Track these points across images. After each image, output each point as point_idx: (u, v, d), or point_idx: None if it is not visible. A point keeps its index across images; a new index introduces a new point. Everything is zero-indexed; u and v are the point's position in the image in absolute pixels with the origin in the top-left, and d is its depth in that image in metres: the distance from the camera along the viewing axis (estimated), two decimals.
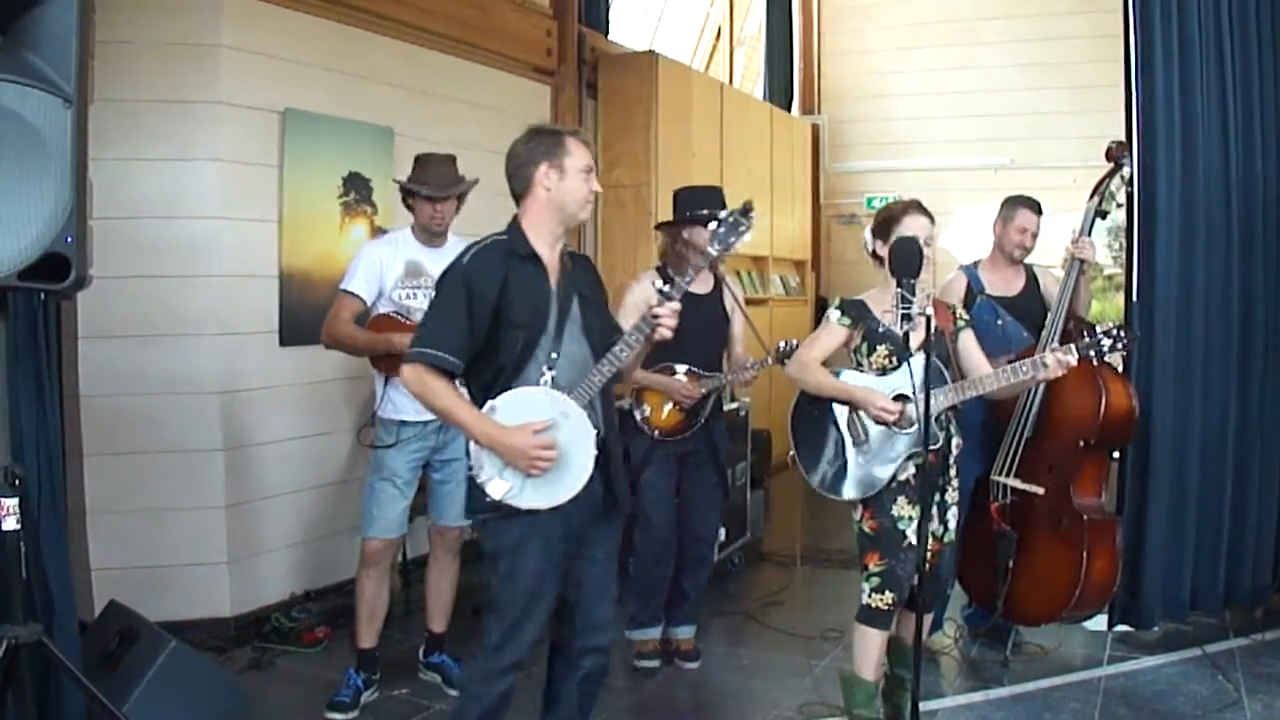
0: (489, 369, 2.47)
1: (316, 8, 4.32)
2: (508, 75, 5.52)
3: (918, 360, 2.85)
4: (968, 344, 3.06)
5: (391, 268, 3.43)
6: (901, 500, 2.94)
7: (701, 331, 3.65)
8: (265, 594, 4.15)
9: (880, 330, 3.00)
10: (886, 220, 3.03)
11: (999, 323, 3.77)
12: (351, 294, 3.41)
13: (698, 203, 3.74)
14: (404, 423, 3.42)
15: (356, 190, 4.46)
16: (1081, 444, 3.50)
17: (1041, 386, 3.42)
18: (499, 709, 2.50)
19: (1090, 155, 4.21)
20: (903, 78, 8.43)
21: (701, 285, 3.73)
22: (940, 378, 2.88)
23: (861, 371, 3.03)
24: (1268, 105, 4.05)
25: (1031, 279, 3.91)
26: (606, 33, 6.51)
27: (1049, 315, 3.67)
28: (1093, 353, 2.83)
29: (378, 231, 4.38)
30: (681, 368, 3.69)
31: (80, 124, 2.19)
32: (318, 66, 4.33)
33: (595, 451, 2.42)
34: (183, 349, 3.92)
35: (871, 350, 3.01)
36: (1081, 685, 3.59)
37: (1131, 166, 3.75)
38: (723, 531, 4.52)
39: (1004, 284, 3.87)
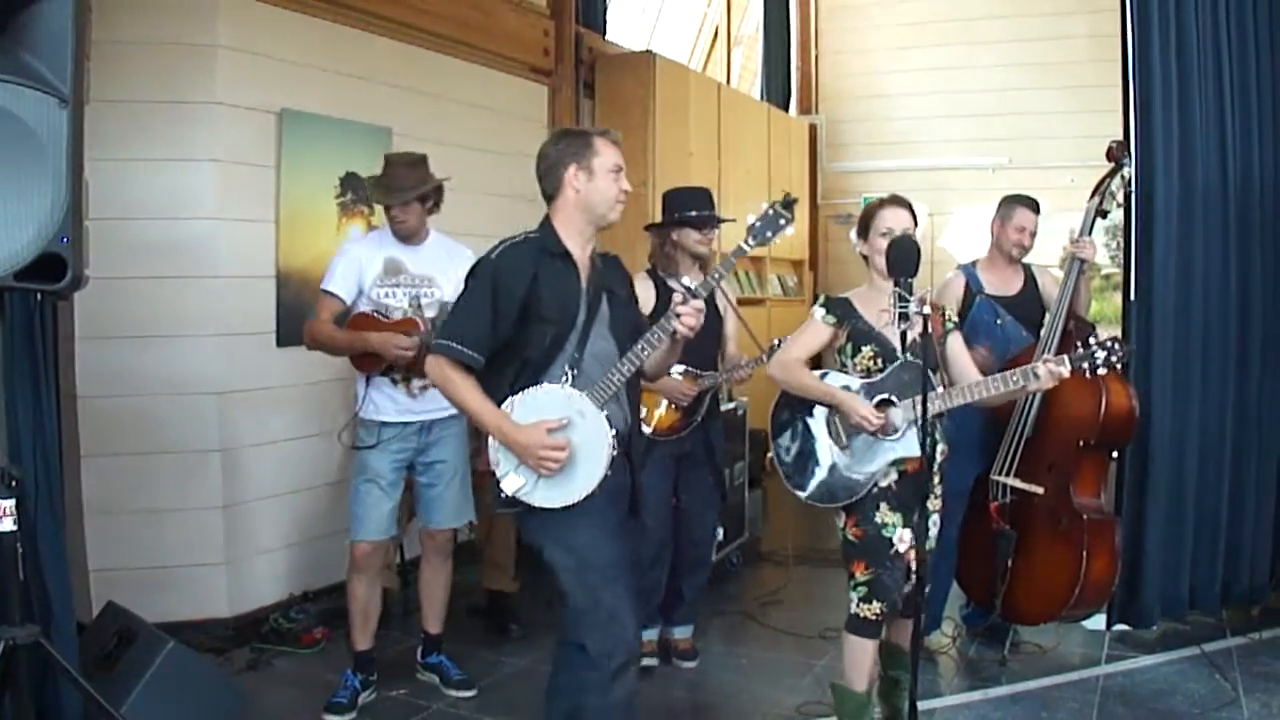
0: (515, 363, 2.47)
1: (313, 8, 4.32)
2: (505, 75, 5.52)
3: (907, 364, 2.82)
4: (956, 347, 2.99)
5: (370, 266, 3.41)
6: (884, 507, 2.86)
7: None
8: (263, 595, 4.15)
9: (866, 330, 2.92)
10: (865, 217, 2.99)
11: (998, 322, 3.77)
12: (331, 294, 3.39)
13: (686, 204, 3.74)
14: (385, 424, 3.40)
15: (354, 191, 4.45)
16: (1081, 444, 3.50)
17: None
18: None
19: (1088, 155, 4.21)
20: (900, 77, 8.43)
21: (692, 284, 3.73)
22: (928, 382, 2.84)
23: (845, 373, 2.95)
24: (1265, 104, 4.06)
25: (1030, 279, 3.90)
26: (604, 32, 6.51)
27: (1048, 316, 3.67)
28: (1085, 365, 2.75)
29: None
30: (678, 367, 3.69)
31: (76, 124, 2.18)
32: (315, 67, 4.32)
33: (611, 452, 2.40)
34: (180, 349, 3.91)
35: (856, 351, 2.93)
36: (1079, 684, 3.59)
37: (1132, 166, 3.75)
38: (721, 531, 4.51)
39: (1002, 283, 3.87)
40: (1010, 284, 3.88)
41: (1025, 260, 3.91)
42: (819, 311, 3.00)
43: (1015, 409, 3.57)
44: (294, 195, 4.20)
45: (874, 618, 2.87)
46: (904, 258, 2.65)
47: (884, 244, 2.86)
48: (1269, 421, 4.07)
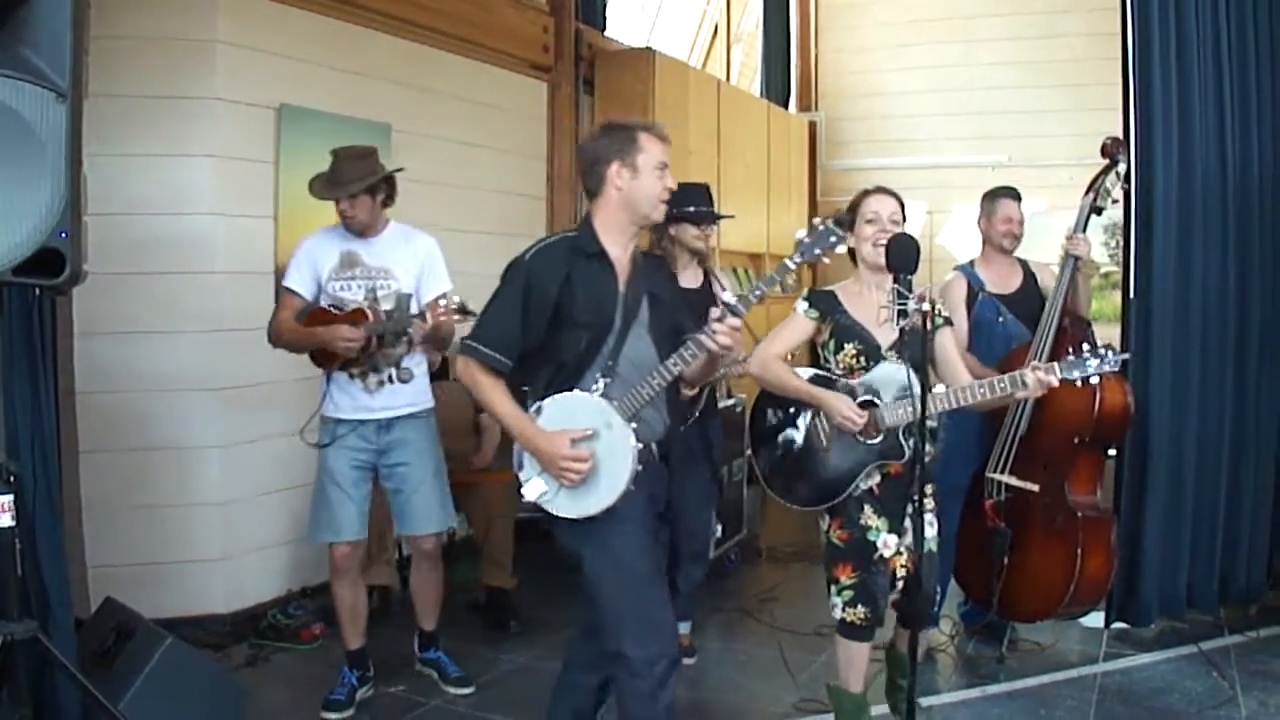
0: (549, 366, 2.41)
1: (313, 3, 4.32)
2: (504, 72, 5.52)
3: (891, 365, 2.77)
4: (945, 343, 2.89)
5: (326, 260, 3.34)
6: (868, 510, 2.80)
7: (693, 327, 3.64)
8: (261, 591, 4.15)
9: (849, 326, 2.84)
10: (851, 208, 2.92)
11: (1000, 320, 3.77)
12: (290, 290, 3.36)
13: (684, 199, 3.72)
14: (340, 420, 3.33)
15: None
16: (1076, 441, 3.50)
17: None
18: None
19: (1087, 153, 4.20)
20: (900, 75, 8.43)
21: (691, 280, 3.73)
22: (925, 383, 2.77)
23: (827, 371, 2.87)
24: (1264, 103, 4.06)
25: (1029, 275, 3.90)
26: (603, 29, 6.51)
27: (1043, 314, 3.66)
28: (1076, 375, 2.65)
29: None
30: None
31: (75, 119, 2.19)
32: (314, 62, 4.32)
33: (636, 467, 2.33)
34: (178, 345, 3.91)
35: (839, 348, 2.84)
36: (1077, 682, 3.59)
37: (1127, 163, 3.75)
38: (719, 528, 4.51)
39: (1002, 280, 3.87)
40: (1010, 280, 3.88)
41: (1022, 256, 3.92)
42: (801, 305, 2.93)
43: (1010, 406, 3.57)
44: (293, 191, 4.17)
45: (861, 622, 2.80)
46: (903, 254, 2.62)
47: (870, 231, 2.84)
48: (1267, 420, 4.07)
